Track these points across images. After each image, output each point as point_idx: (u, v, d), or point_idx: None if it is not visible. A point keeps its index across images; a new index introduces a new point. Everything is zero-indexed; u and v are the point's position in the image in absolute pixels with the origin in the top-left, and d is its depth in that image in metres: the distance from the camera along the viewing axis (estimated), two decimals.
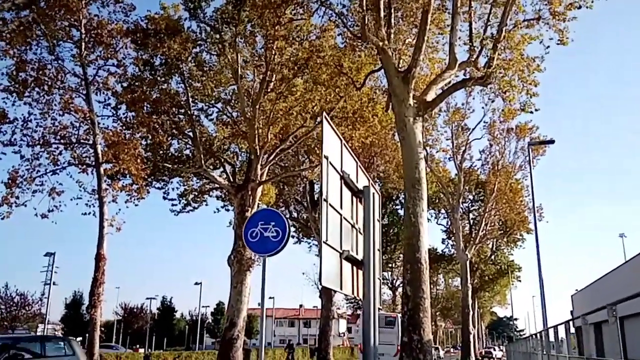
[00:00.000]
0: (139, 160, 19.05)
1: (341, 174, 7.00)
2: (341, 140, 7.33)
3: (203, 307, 75.87)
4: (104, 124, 21.04)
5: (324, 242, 5.68)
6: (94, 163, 19.94)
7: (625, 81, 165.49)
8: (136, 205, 20.33)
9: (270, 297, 72.20)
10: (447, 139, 40.97)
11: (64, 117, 19.99)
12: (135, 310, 69.93)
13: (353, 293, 7.11)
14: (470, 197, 53.89)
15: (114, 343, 57.16)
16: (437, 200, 49.43)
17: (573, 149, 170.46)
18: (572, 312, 35.45)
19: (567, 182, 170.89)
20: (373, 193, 7.62)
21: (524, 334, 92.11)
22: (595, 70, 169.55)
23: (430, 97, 16.87)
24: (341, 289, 6.46)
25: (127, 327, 67.12)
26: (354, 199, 7.76)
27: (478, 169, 46.72)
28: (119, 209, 19.87)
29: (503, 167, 43.39)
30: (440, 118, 38.72)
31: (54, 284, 49.11)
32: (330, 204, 6.18)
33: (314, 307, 69.73)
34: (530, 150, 19.22)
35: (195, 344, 67.27)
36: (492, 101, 27.47)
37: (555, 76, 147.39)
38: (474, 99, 39.43)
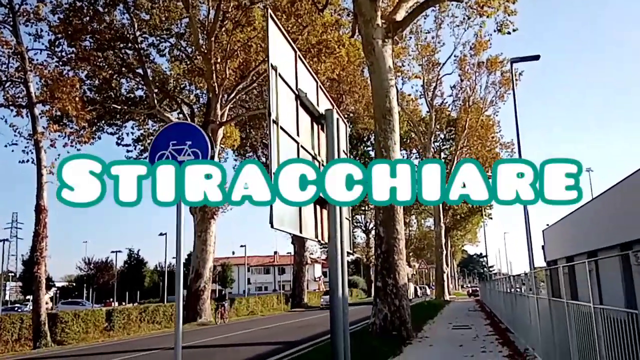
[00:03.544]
0: (77, 99, 16.83)
1: (296, 92, 5.64)
2: (295, 52, 5.75)
3: (174, 258, 74.68)
4: (37, 59, 18.54)
5: (274, 174, 4.28)
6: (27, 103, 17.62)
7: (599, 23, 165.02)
8: (78, 150, 18.23)
9: (241, 245, 71.38)
10: (418, 65, 39.24)
11: None
12: (99, 264, 68.01)
13: (317, 236, 5.96)
14: (442, 136, 53.09)
15: (84, 299, 55.76)
16: (408, 140, 48.48)
17: (544, 82, 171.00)
18: (543, 247, 35.29)
19: (536, 119, 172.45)
20: (337, 119, 6.25)
21: (493, 271, 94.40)
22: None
23: (400, 16, 15.08)
24: (300, 232, 5.23)
25: (93, 282, 65.42)
26: (315, 126, 6.37)
27: (449, 105, 45.78)
28: (59, 154, 17.73)
29: (474, 103, 42.45)
30: (412, 41, 36.61)
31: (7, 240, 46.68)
32: (281, 128, 4.84)
33: (288, 253, 69.32)
34: (512, 68, 17.74)
35: (170, 295, 66.46)
36: (469, 18, 25.38)
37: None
38: (444, 27, 37.87)
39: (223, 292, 24.81)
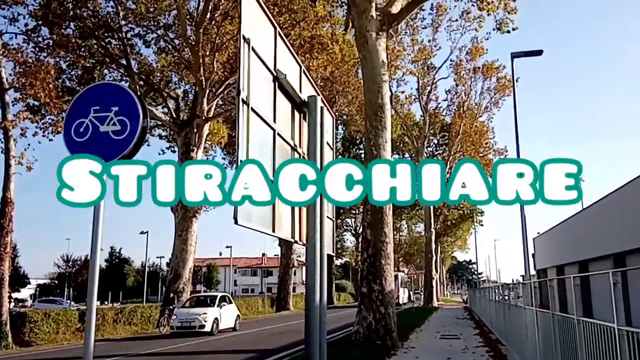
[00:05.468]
0: (51, 87, 15.89)
1: (274, 73, 4.80)
2: (275, 28, 4.93)
3: (158, 257, 73.56)
4: (12, 44, 17.54)
5: (241, 161, 3.60)
6: None
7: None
8: (50, 140, 17.30)
9: (227, 247, 70.49)
10: (412, 62, 38.43)
11: None
12: (78, 262, 66.42)
13: (293, 236, 5.25)
14: (435, 140, 52.67)
15: (65, 299, 54.33)
16: (401, 144, 47.99)
17: (538, 90, 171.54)
18: (533, 255, 34.80)
19: (530, 125, 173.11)
20: (322, 107, 5.48)
21: (482, 278, 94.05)
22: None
23: (396, 8, 14.40)
24: (273, 230, 4.46)
25: (72, 280, 63.82)
26: (297, 114, 5.61)
27: (443, 109, 45.38)
28: (29, 144, 16.75)
29: (469, 109, 42.13)
30: (407, 37, 35.76)
31: None
32: (253, 109, 4.03)
33: (276, 255, 68.51)
34: (513, 63, 17.09)
35: (154, 295, 65.22)
36: (468, 13, 24.58)
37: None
38: (441, 31, 37.34)
39: (171, 295, 22.25)
